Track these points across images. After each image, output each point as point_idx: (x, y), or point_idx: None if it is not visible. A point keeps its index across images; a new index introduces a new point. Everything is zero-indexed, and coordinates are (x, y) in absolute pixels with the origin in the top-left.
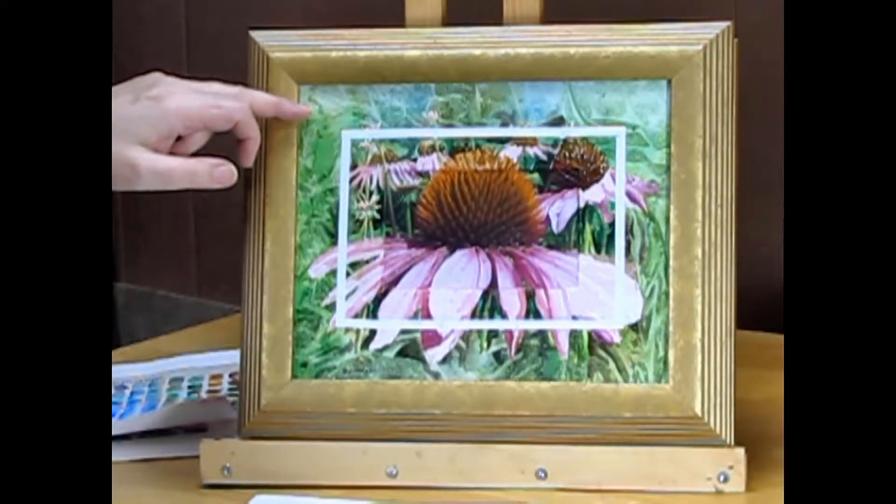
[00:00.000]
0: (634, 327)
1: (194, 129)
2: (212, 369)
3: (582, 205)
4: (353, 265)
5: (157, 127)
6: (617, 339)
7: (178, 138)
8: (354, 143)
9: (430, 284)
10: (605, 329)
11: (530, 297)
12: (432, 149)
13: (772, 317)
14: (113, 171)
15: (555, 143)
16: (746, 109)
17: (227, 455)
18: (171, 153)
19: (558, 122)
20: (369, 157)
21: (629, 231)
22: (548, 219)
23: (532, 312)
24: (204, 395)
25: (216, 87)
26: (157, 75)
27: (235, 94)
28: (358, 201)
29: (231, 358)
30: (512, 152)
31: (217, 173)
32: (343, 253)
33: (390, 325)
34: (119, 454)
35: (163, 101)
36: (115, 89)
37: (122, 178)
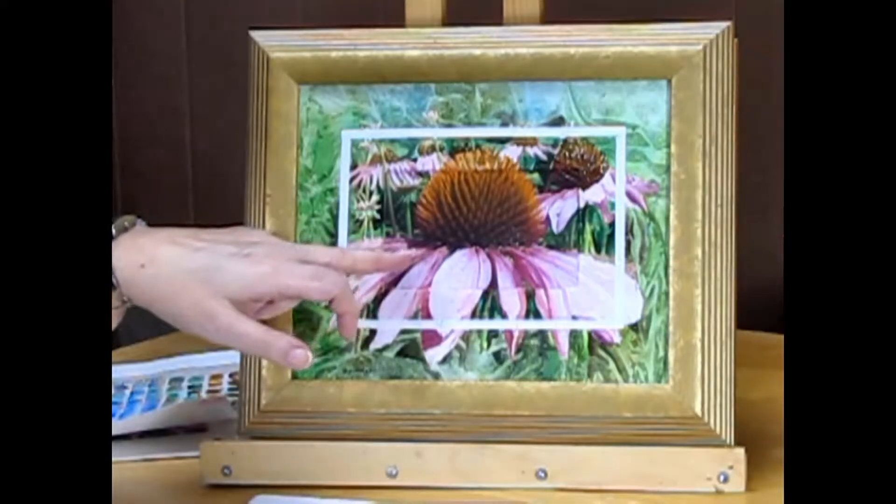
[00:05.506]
0: (634, 327)
1: (287, 299)
2: (212, 369)
3: (582, 205)
4: None
5: (249, 289)
6: (617, 339)
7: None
8: (354, 143)
9: (429, 284)
10: (605, 329)
11: (530, 297)
12: (432, 149)
13: (772, 317)
14: (191, 315)
15: (555, 143)
16: (747, 109)
17: (227, 455)
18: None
19: (558, 122)
20: (369, 157)
21: (629, 231)
22: (548, 219)
23: (532, 312)
24: (204, 395)
25: (318, 251)
26: (262, 233)
27: (337, 259)
28: (358, 201)
29: (231, 358)
30: (512, 152)
31: (291, 355)
32: None
33: (390, 325)
34: (119, 454)
35: (261, 264)
36: (218, 232)
37: (197, 325)
